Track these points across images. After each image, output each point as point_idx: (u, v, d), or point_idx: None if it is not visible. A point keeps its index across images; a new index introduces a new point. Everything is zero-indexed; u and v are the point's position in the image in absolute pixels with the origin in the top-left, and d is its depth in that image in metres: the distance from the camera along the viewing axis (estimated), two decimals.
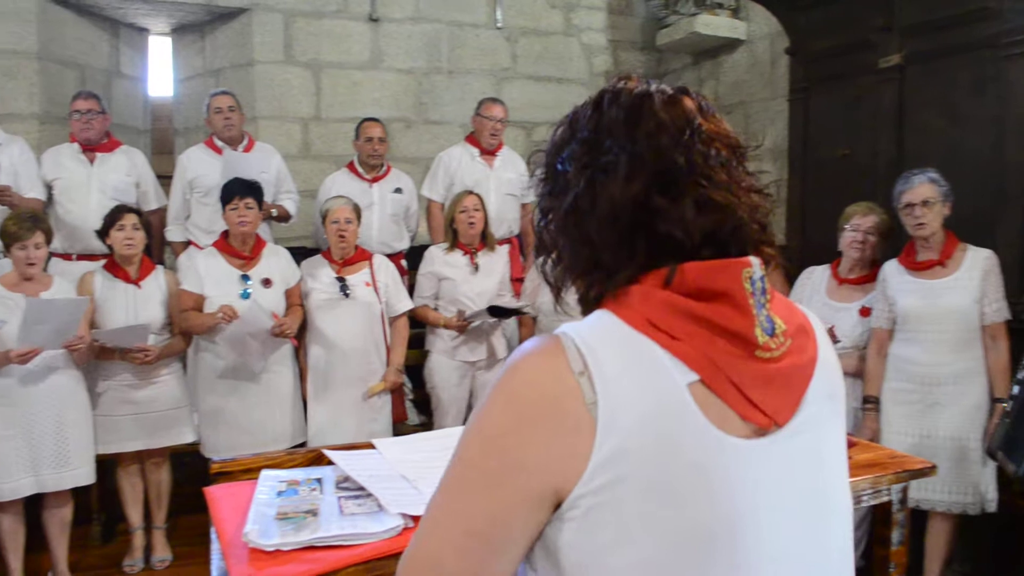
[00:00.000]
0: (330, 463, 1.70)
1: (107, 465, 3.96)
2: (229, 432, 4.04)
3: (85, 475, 3.77)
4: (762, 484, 0.91)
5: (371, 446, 1.75)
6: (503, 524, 0.87)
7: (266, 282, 4.04)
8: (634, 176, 0.93)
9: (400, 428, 4.41)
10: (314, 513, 1.44)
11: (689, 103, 0.99)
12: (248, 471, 1.67)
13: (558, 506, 0.88)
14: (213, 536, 1.43)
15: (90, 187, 4.41)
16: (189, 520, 4.47)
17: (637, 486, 0.86)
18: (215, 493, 1.57)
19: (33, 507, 3.77)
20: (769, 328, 0.94)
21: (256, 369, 3.98)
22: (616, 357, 0.89)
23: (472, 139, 5.14)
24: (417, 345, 4.52)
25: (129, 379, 3.90)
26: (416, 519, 1.44)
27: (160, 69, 6.17)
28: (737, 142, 1.00)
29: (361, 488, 1.55)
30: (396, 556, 1.36)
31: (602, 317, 0.94)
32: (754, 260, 0.95)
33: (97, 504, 4.36)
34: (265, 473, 1.62)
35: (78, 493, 3.87)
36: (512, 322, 4.70)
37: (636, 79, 1.01)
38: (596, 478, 0.85)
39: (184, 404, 4.07)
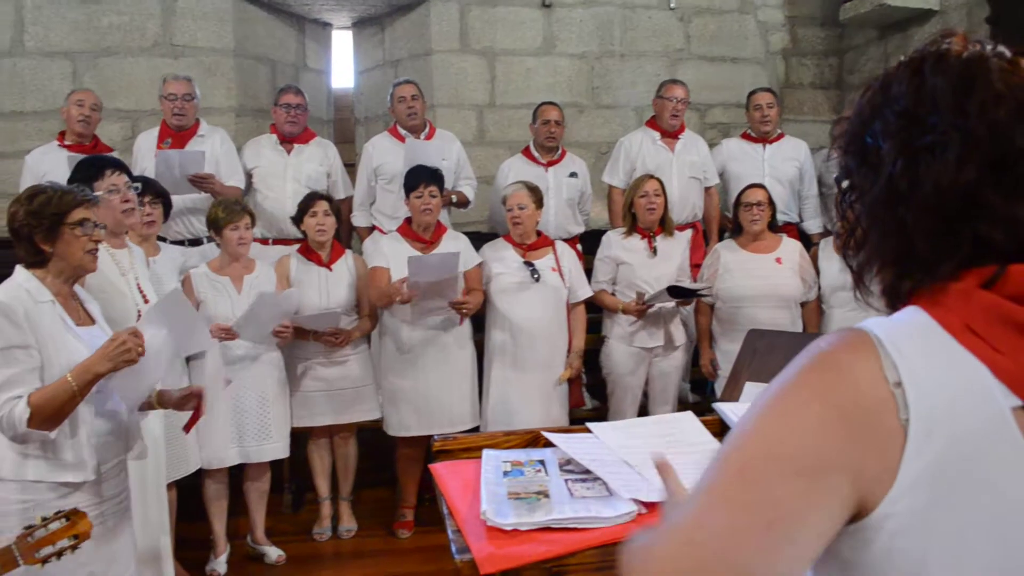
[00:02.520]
0: (546, 445, 1.72)
1: (297, 438, 4.17)
2: (408, 411, 4.19)
3: (282, 448, 4.01)
4: None
5: (587, 430, 1.75)
6: (805, 522, 0.79)
7: None
8: (966, 161, 0.82)
9: (575, 413, 4.43)
10: (545, 495, 1.45)
11: None
12: (467, 450, 1.71)
13: (854, 518, 0.82)
14: (445, 512, 1.47)
15: (286, 176, 4.67)
16: (370, 494, 4.68)
17: (946, 514, 0.79)
18: (440, 470, 1.61)
19: (233, 476, 4.04)
20: None
21: (411, 319, 4.07)
22: (932, 368, 0.80)
23: (653, 123, 5.08)
24: (593, 330, 4.51)
25: (321, 358, 4.11)
26: (648, 506, 1.42)
27: (342, 61, 6.43)
28: None
29: (586, 472, 1.55)
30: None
31: (915, 317, 0.85)
32: None
33: (288, 475, 4.62)
34: (487, 452, 1.64)
35: (272, 464, 4.11)
36: (690, 311, 4.61)
37: (963, 38, 0.88)
38: (903, 499, 0.79)
39: (370, 382, 4.24)
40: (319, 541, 4.27)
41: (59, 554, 1.99)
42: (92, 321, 2.53)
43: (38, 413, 2.22)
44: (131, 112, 5.31)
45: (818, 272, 4.42)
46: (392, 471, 4.54)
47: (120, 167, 3.17)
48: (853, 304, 4.27)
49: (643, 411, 4.45)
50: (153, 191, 3.69)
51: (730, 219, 4.78)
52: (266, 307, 3.75)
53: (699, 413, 1.97)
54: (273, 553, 4.05)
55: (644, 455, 1.59)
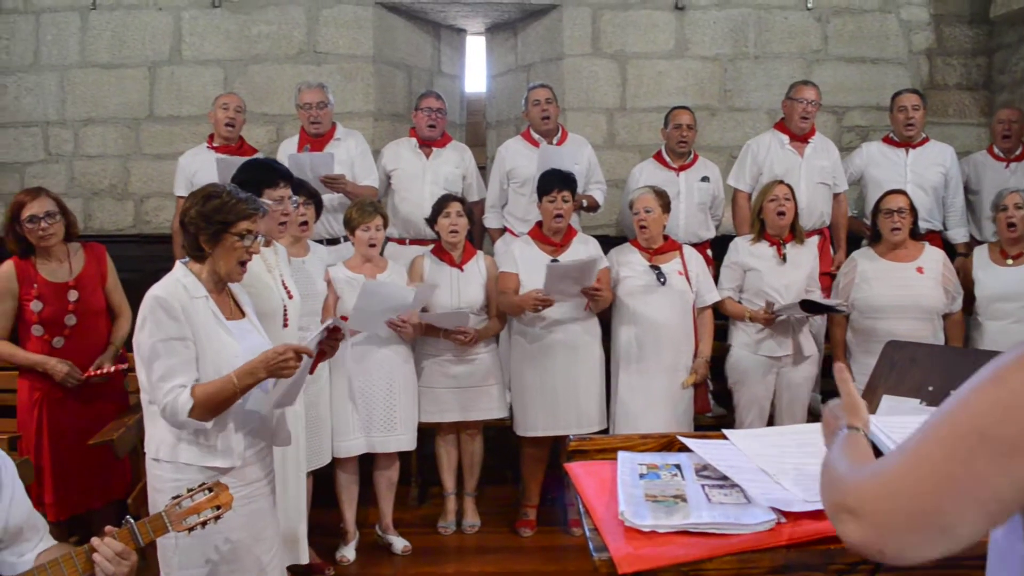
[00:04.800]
0: (681, 449, 1.73)
1: (425, 433, 4.29)
2: (536, 412, 4.23)
3: (408, 441, 4.14)
4: None
5: (722, 436, 1.75)
6: (998, 495, 0.88)
7: None
8: None
9: (698, 420, 4.38)
10: (683, 499, 1.47)
11: None
12: (602, 451, 1.74)
13: None
14: (582, 511, 1.50)
15: (424, 178, 4.81)
16: (493, 491, 4.76)
17: None
18: (576, 470, 1.64)
19: (363, 467, 4.19)
20: None
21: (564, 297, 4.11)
22: None
23: (781, 126, 4.96)
24: (718, 337, 4.45)
25: (450, 355, 4.22)
26: (788, 515, 1.41)
27: (475, 66, 6.56)
28: None
29: (723, 478, 1.55)
30: (769, 550, 1.35)
31: None
32: None
33: (416, 468, 4.76)
34: (623, 455, 1.67)
35: (400, 457, 4.24)
36: (820, 319, 4.49)
37: None
38: None
39: (497, 382, 4.32)
40: (443, 534, 4.38)
41: (203, 523, 2.13)
42: (242, 314, 2.69)
43: (200, 405, 2.38)
44: (276, 116, 5.58)
45: (971, 282, 4.21)
46: (516, 469, 4.61)
47: (289, 179, 3.32)
48: (1014, 316, 4.07)
49: (770, 421, 4.35)
50: (306, 192, 3.86)
51: (867, 226, 4.62)
52: (372, 297, 3.84)
53: None
54: (399, 543, 4.18)
55: (782, 464, 1.58)
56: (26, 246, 3.65)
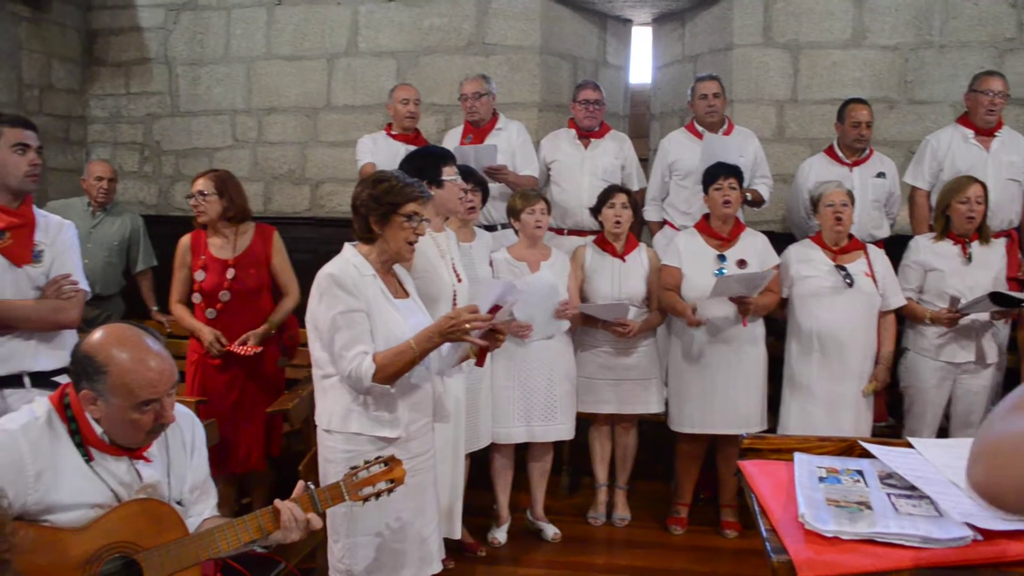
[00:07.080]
0: (861, 455, 1.66)
1: (579, 422, 4.29)
2: (693, 408, 4.17)
3: (567, 430, 4.18)
4: None
5: (907, 444, 1.67)
6: None
7: (741, 263, 4.07)
8: None
9: (874, 428, 4.18)
10: (867, 506, 1.41)
11: None
12: (776, 451, 1.69)
13: None
14: (757, 511, 1.47)
15: (583, 169, 4.82)
16: (645, 485, 4.73)
17: None
18: (750, 469, 1.61)
19: (517, 452, 4.25)
20: None
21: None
22: None
23: (965, 120, 4.62)
24: None
25: (609, 347, 4.22)
26: (985, 533, 1.33)
27: (640, 57, 6.50)
28: None
29: (910, 488, 1.48)
30: (963, 568, 1.28)
31: None
32: None
33: (567, 457, 4.79)
34: (799, 456, 1.62)
35: (553, 445, 4.27)
36: (1005, 326, 4.18)
37: None
38: None
39: (655, 376, 4.29)
40: (593, 525, 4.41)
41: (377, 495, 2.23)
42: (406, 294, 2.80)
43: (382, 370, 2.52)
44: (445, 107, 5.73)
45: None
46: (668, 465, 4.56)
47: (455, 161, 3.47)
48: None
49: (942, 432, 4.12)
50: (474, 180, 3.99)
51: None
52: (527, 295, 3.85)
53: None
54: (550, 530, 4.23)
55: None
56: None
